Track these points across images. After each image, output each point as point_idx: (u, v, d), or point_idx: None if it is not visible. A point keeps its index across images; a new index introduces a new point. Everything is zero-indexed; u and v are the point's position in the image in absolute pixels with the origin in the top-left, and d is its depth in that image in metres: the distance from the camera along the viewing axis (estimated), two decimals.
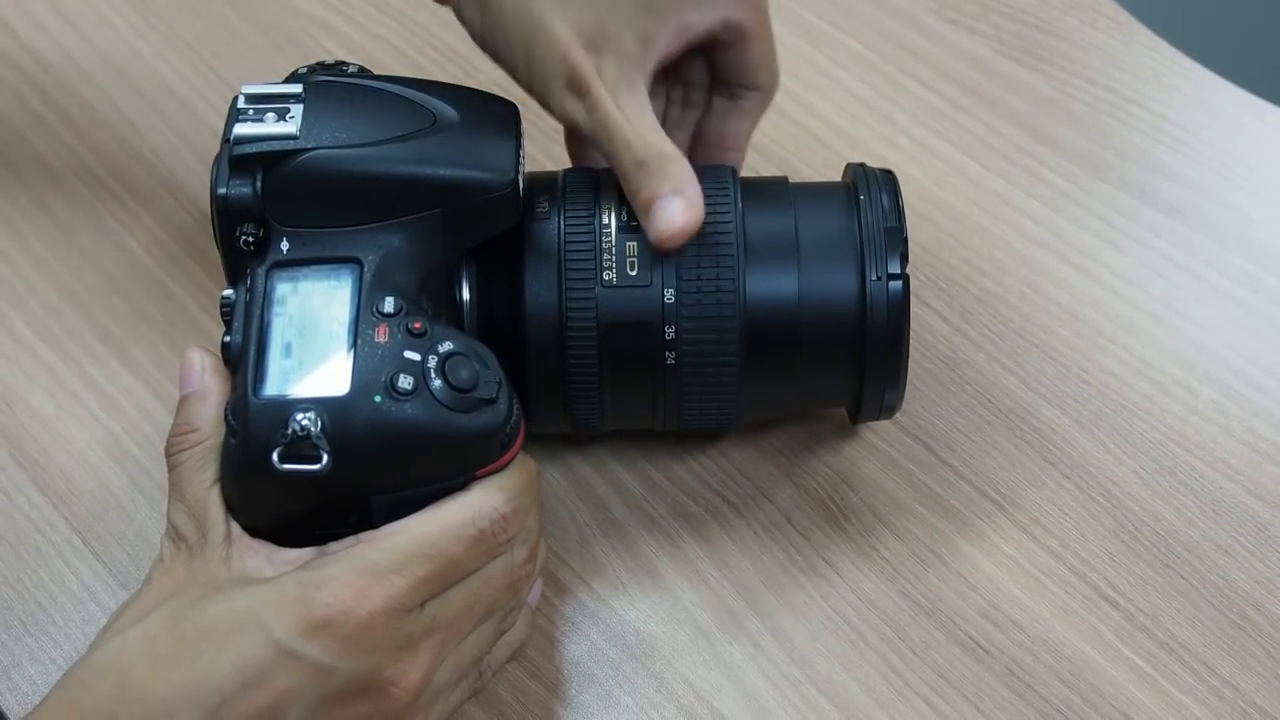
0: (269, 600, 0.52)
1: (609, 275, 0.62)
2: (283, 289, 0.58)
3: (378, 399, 0.55)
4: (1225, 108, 0.87)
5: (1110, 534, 0.70)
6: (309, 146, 0.58)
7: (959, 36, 0.90)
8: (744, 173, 0.69)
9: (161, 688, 0.51)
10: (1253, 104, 0.87)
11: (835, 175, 0.79)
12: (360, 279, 0.57)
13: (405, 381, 0.55)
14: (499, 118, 0.62)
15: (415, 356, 0.55)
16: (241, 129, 0.59)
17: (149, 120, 0.84)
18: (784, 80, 0.80)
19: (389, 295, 0.57)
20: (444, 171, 0.59)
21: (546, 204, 0.63)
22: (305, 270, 0.58)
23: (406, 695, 0.54)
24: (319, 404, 0.54)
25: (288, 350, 0.56)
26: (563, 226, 0.62)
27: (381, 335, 0.56)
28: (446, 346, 0.56)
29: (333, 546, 0.55)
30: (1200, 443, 0.73)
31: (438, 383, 0.55)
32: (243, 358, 0.56)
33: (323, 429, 0.54)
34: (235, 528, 0.56)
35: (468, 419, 0.55)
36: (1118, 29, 0.90)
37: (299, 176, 0.58)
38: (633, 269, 0.61)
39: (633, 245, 0.62)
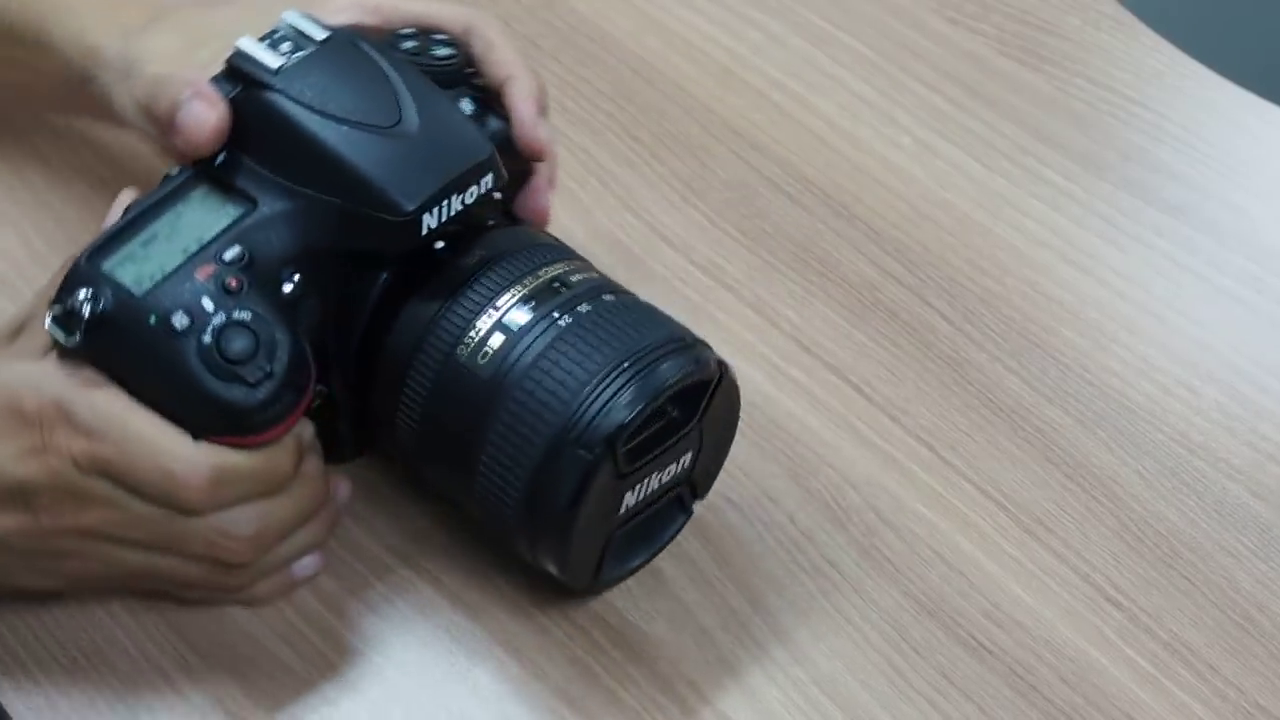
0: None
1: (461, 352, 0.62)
2: (192, 192, 0.61)
3: (152, 320, 0.58)
4: (1227, 108, 0.87)
5: (1113, 534, 0.70)
6: (277, 87, 0.61)
7: (961, 36, 0.90)
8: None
9: None
10: (1255, 104, 0.87)
11: (838, 176, 0.82)
12: (240, 221, 0.60)
13: (180, 320, 0.58)
14: (454, 151, 0.62)
15: (207, 307, 0.58)
16: (251, 44, 0.62)
17: None
18: (785, 80, 0.82)
19: (239, 246, 0.59)
20: (360, 170, 0.60)
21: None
22: (214, 188, 0.61)
23: (56, 531, 0.59)
24: (112, 291, 0.58)
25: (151, 240, 0.60)
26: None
27: (201, 274, 0.59)
28: (241, 315, 0.59)
29: (62, 360, 0.59)
30: (1203, 443, 0.73)
31: (207, 339, 0.58)
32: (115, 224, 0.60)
33: (93, 313, 0.58)
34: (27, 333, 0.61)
35: (214, 384, 0.58)
36: (1119, 29, 0.91)
37: (256, 109, 0.61)
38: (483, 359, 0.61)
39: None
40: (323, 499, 0.63)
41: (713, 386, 0.62)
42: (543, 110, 0.68)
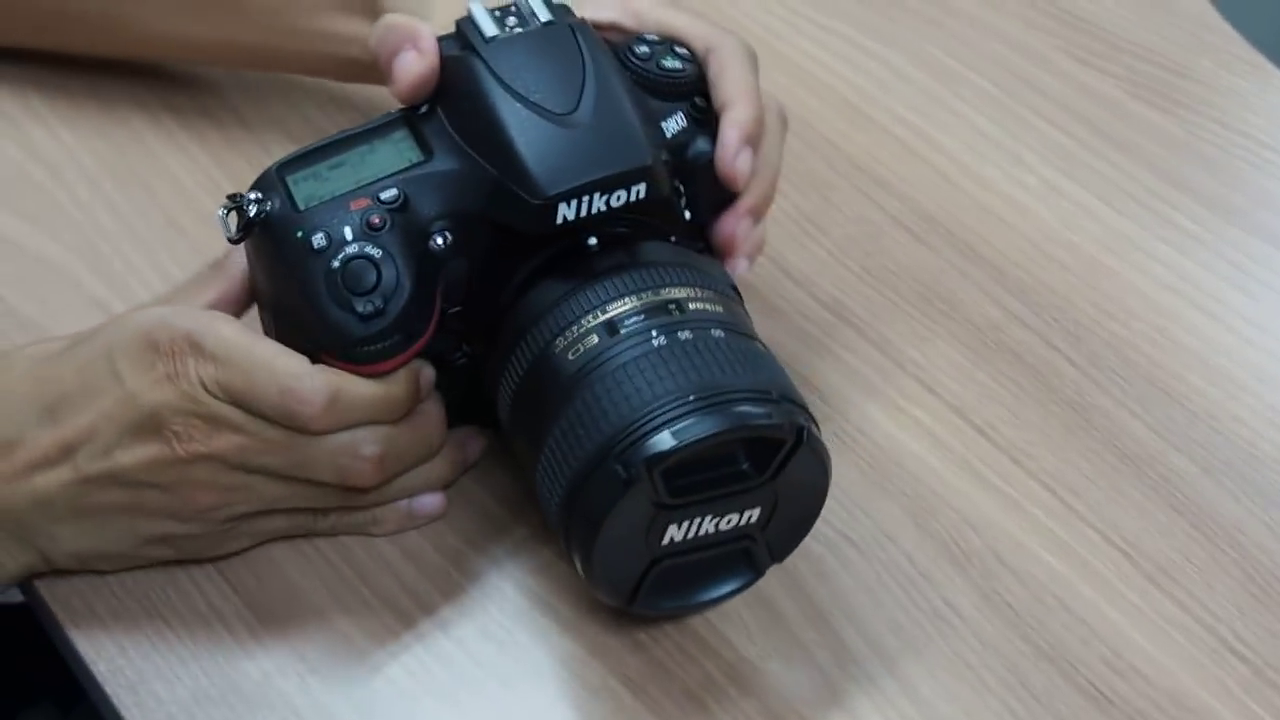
0: (124, 324, 0.63)
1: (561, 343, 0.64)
2: (393, 133, 0.65)
3: (299, 234, 0.62)
4: None
5: (1239, 586, 0.70)
6: (483, 55, 0.64)
7: (1089, 77, 0.90)
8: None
9: (14, 381, 0.63)
10: None
11: (963, 215, 0.82)
12: (412, 168, 0.64)
13: (319, 240, 0.62)
14: (612, 152, 0.63)
15: (346, 235, 0.62)
16: (480, 11, 0.65)
17: None
18: (910, 117, 0.81)
19: (397, 189, 0.63)
20: (517, 146, 0.63)
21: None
22: (411, 133, 0.65)
23: (190, 458, 0.62)
24: (280, 200, 0.63)
25: (339, 165, 0.64)
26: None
27: (355, 205, 0.63)
28: (371, 251, 0.62)
29: (188, 306, 0.65)
30: None
31: (335, 264, 0.62)
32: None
33: (258, 215, 0.63)
34: None
35: (330, 306, 0.62)
36: (1253, 73, 0.90)
37: (461, 70, 0.64)
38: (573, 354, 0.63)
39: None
40: (442, 439, 0.67)
41: (787, 448, 0.61)
42: (750, 141, 0.68)
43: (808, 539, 0.68)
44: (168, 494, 0.63)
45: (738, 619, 0.68)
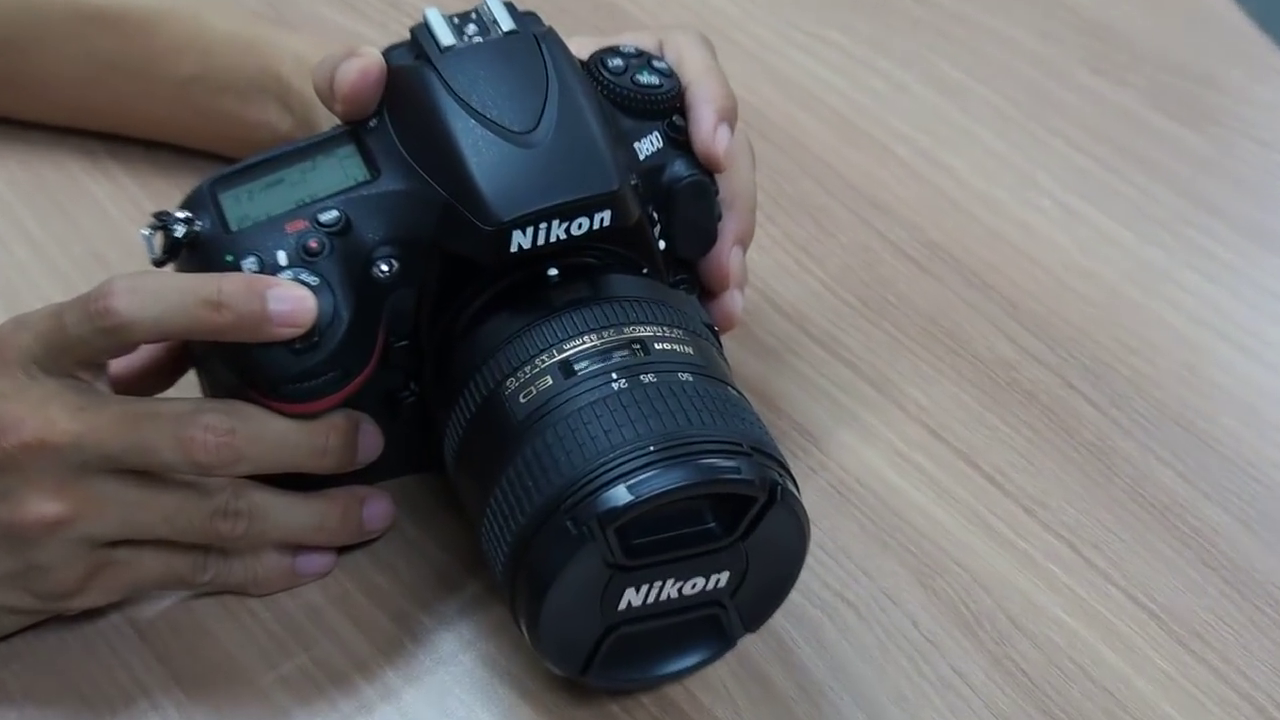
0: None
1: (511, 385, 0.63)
2: (338, 149, 0.66)
3: (229, 258, 0.63)
4: None
5: (1279, 649, 0.69)
6: (437, 66, 0.64)
7: (1109, 90, 0.90)
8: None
9: None
10: None
11: (971, 242, 0.82)
12: (355, 188, 0.64)
13: (250, 265, 0.63)
14: (574, 176, 0.63)
15: (280, 260, 0.63)
16: (437, 17, 0.65)
17: None
18: (915, 136, 0.81)
19: (338, 212, 0.64)
20: (469, 167, 0.63)
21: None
22: (357, 149, 0.66)
23: (15, 449, 0.61)
24: (211, 221, 0.64)
25: (276, 183, 0.65)
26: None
27: (291, 228, 0.63)
28: (308, 279, 0.63)
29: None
30: None
31: None
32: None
33: (185, 236, 0.64)
34: None
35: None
36: None
37: (413, 81, 0.64)
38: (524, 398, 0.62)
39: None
40: (345, 455, 0.66)
41: (759, 505, 0.61)
42: (725, 117, 0.68)
43: (800, 601, 0.68)
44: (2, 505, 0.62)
45: (723, 690, 0.67)
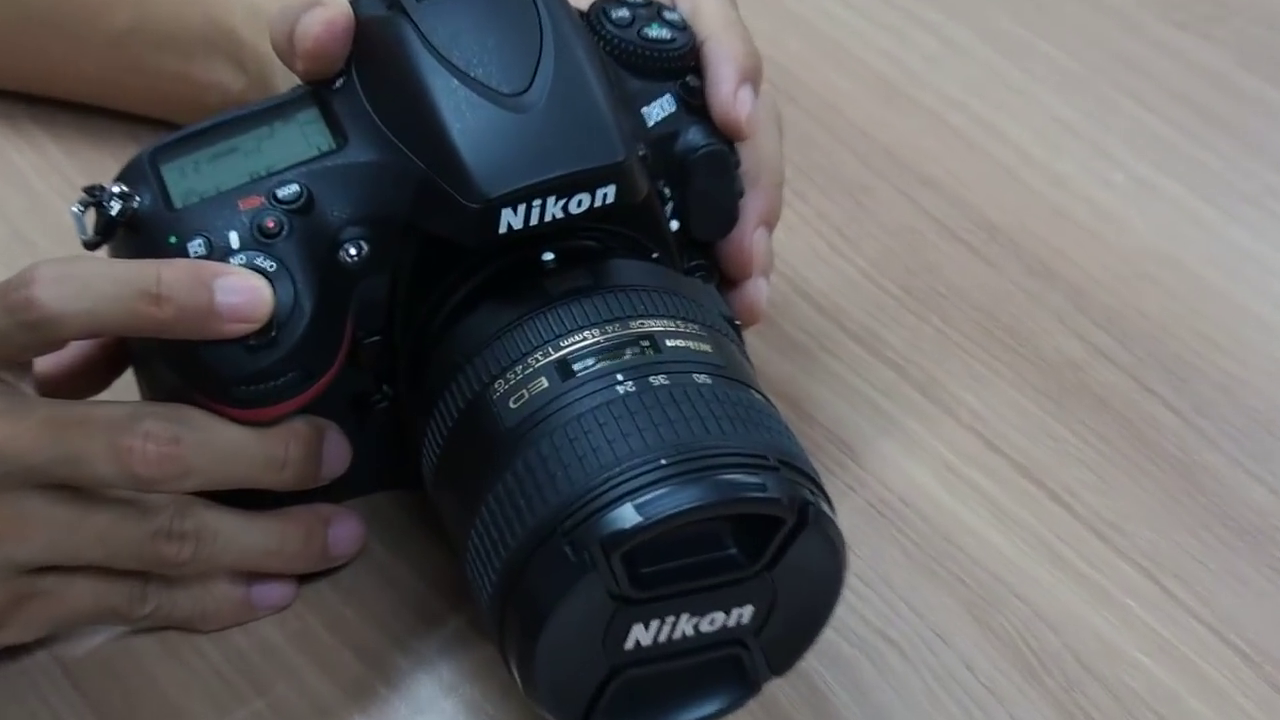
0: None
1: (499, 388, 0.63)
2: (298, 113, 0.66)
3: (172, 239, 0.62)
4: None
5: None
6: (413, 17, 0.63)
7: (1193, 45, 0.91)
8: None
9: None
10: None
11: (1033, 222, 0.83)
12: (319, 158, 0.64)
13: (196, 248, 0.62)
14: (572, 145, 0.63)
15: (231, 242, 0.62)
16: None
17: None
18: (966, 99, 0.84)
19: (299, 186, 0.63)
20: (450, 134, 0.62)
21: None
22: (322, 113, 0.65)
23: None
24: (151, 197, 0.63)
25: (227, 153, 0.65)
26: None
27: (244, 204, 0.63)
28: (264, 264, 0.62)
29: None
30: None
31: None
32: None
33: (121, 213, 0.63)
34: None
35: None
36: None
37: (386, 34, 0.64)
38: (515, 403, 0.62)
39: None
40: (307, 471, 0.66)
41: (787, 528, 0.60)
42: (749, 80, 0.68)
43: (835, 640, 0.68)
44: None
45: None
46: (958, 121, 0.87)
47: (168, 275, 0.61)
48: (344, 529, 0.69)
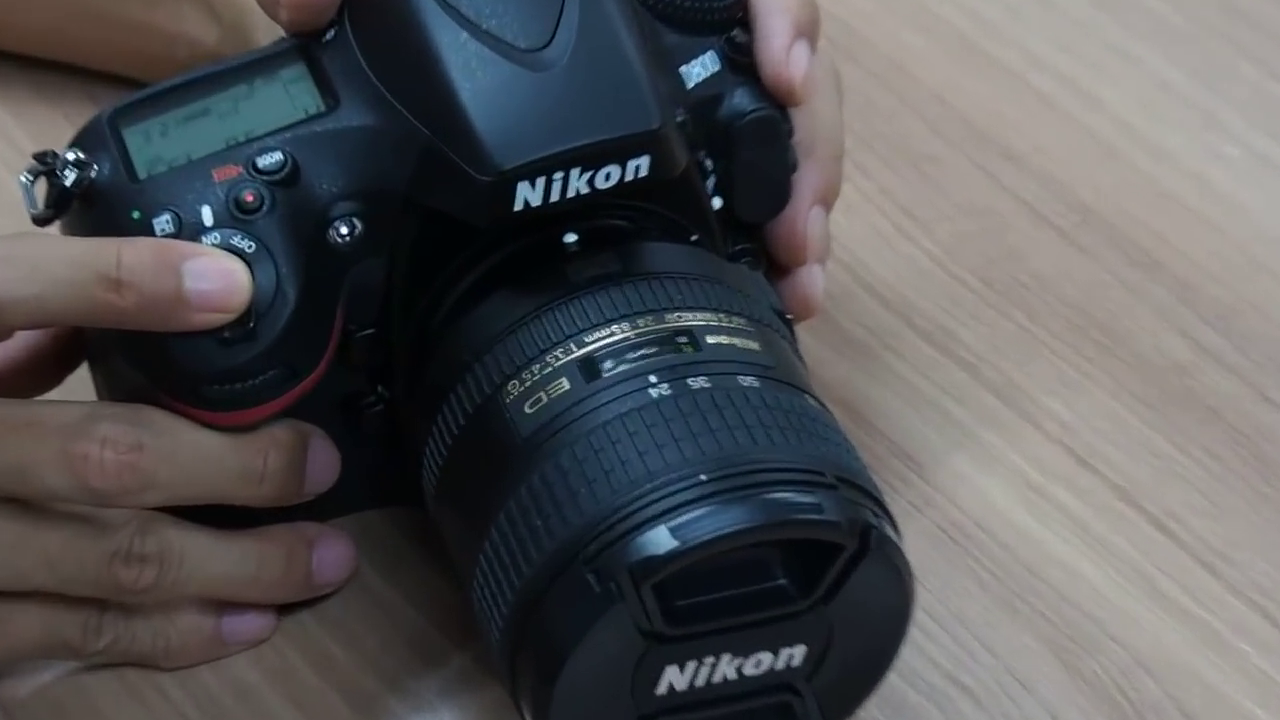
0: None
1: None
2: (281, 70, 0.65)
3: (135, 214, 0.62)
4: None
5: None
6: None
7: None
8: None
9: None
10: None
11: (1132, 204, 0.84)
12: (306, 121, 0.64)
13: (164, 225, 0.62)
14: (599, 109, 0.63)
15: (204, 218, 0.62)
16: None
17: None
18: (1057, 61, 0.85)
19: (282, 154, 0.63)
20: (459, 95, 0.62)
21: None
22: (309, 70, 0.65)
23: None
24: (111, 165, 0.63)
25: (199, 115, 0.65)
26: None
27: (219, 175, 0.63)
28: (241, 244, 0.62)
29: None
30: None
31: None
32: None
33: (77, 184, 0.62)
34: None
35: None
36: None
37: None
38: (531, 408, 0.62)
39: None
40: (290, 482, 0.66)
41: (846, 556, 0.59)
42: (805, 36, 0.68)
43: (900, 685, 0.68)
44: None
45: None
46: (1045, 85, 0.88)
47: (129, 257, 0.60)
48: (331, 552, 0.68)
